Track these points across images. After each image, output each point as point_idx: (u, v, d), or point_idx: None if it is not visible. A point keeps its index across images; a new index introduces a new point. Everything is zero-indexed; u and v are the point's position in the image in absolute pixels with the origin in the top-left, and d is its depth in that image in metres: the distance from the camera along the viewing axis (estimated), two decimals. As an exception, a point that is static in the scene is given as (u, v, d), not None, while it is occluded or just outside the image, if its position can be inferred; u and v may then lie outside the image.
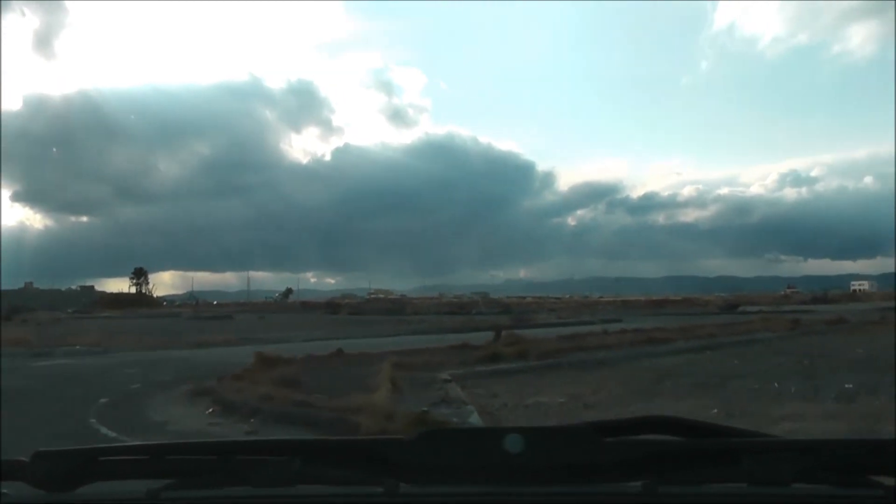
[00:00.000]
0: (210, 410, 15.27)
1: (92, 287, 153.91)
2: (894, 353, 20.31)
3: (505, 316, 64.81)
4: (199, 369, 22.52)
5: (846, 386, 16.32)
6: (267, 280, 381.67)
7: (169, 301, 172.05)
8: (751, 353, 25.38)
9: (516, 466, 1.56)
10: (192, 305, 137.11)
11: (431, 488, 1.62)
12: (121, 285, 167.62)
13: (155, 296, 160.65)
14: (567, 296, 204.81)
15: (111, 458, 1.77)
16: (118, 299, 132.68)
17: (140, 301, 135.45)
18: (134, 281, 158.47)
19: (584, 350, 25.48)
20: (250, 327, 52.60)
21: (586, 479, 1.60)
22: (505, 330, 32.74)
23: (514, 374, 19.92)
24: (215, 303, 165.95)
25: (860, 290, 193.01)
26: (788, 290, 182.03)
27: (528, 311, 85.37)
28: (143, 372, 23.01)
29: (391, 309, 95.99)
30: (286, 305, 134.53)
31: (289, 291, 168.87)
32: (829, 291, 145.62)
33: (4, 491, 1.70)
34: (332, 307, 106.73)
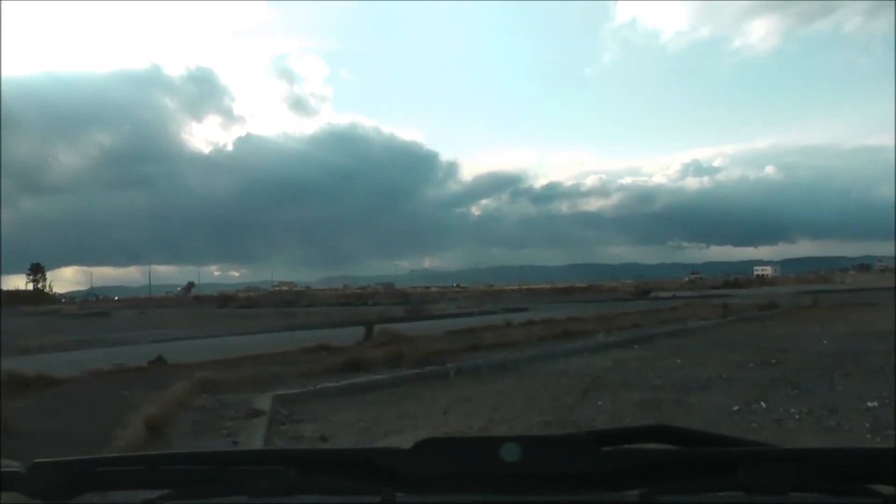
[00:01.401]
0: None
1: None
2: (863, 345, 18.88)
3: (401, 306, 61.61)
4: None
5: (868, 405, 11.17)
6: (171, 274, 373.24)
7: (69, 298, 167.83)
8: (693, 348, 20.26)
9: (513, 476, 1.54)
10: (92, 302, 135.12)
11: (428, 498, 1.57)
12: (20, 283, 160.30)
13: (54, 293, 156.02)
14: (472, 285, 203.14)
15: (108, 468, 1.71)
16: (14, 297, 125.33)
17: (38, 298, 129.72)
18: (31, 278, 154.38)
19: (481, 349, 19.64)
20: (118, 326, 48.01)
21: (583, 489, 1.55)
22: (401, 321, 27.06)
23: (375, 391, 13.89)
24: (116, 299, 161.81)
25: (764, 275, 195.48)
26: (692, 276, 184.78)
27: (427, 301, 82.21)
28: None
29: (285, 301, 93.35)
30: (182, 300, 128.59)
31: (191, 285, 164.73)
32: (732, 277, 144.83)
33: (2, 501, 1.70)
34: (223, 301, 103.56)
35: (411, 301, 76.41)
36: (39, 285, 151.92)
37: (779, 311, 37.05)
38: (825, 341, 20.84)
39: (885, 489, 1.48)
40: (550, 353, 18.99)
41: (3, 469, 1.62)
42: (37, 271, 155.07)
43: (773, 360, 16.56)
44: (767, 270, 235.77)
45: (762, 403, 11.39)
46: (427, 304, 67.93)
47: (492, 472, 1.54)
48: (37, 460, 1.61)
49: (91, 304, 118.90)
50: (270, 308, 75.47)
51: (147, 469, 1.69)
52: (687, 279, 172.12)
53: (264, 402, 12.17)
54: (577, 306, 50.32)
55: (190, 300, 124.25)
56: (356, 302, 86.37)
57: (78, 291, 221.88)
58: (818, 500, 1.52)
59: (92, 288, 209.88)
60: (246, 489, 1.55)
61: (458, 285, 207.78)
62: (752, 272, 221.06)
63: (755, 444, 1.75)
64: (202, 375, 13.95)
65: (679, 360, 17.24)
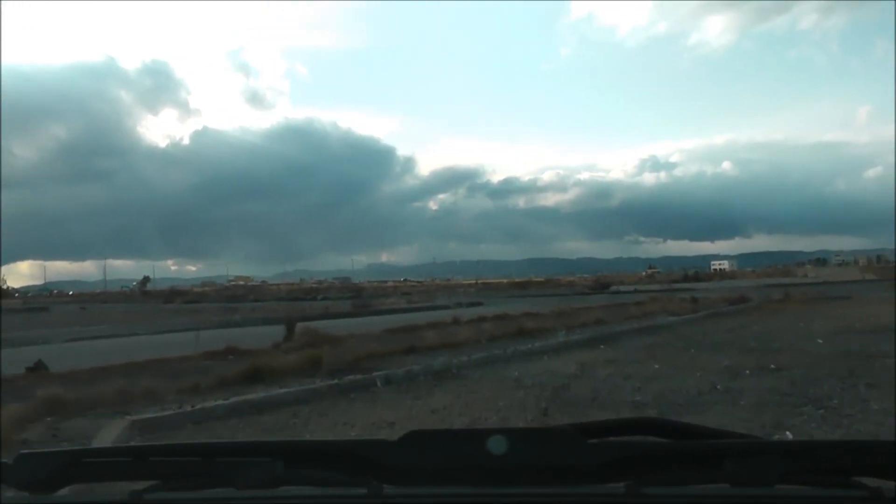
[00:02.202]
0: None
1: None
2: (865, 344, 16.80)
3: (349, 301, 58.55)
4: None
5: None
6: (128, 269, 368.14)
7: (22, 293, 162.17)
8: (669, 349, 17.42)
9: (500, 468, 1.53)
10: (45, 297, 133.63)
11: (415, 490, 1.56)
12: None
13: (8, 287, 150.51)
14: (429, 280, 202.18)
15: (95, 459, 1.72)
16: None
17: None
18: None
19: (420, 352, 16.51)
20: (47, 322, 44.25)
21: (570, 481, 1.55)
22: (341, 318, 24.22)
23: (274, 411, 10.57)
24: (71, 293, 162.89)
25: (721, 269, 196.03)
26: (650, 271, 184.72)
27: (380, 295, 79.98)
28: None
29: (233, 297, 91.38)
30: (133, 295, 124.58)
31: (146, 280, 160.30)
32: (690, 271, 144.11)
33: None
34: (170, 296, 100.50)
35: (362, 296, 73.63)
36: None
37: (751, 306, 34.79)
38: (819, 340, 18.25)
39: (871, 481, 1.47)
40: (502, 357, 15.96)
41: None
42: None
43: (772, 365, 13.71)
44: (725, 265, 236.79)
45: (787, 434, 8.39)
46: (378, 299, 65.40)
47: (478, 464, 1.53)
48: (24, 451, 1.60)
49: (35, 300, 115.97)
50: (216, 303, 72.04)
51: (134, 460, 1.68)
52: (645, 273, 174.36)
53: (115, 431, 8.95)
54: (535, 301, 48.11)
55: (140, 295, 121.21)
56: (306, 297, 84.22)
57: (33, 286, 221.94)
58: (805, 493, 1.50)
59: (47, 283, 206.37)
60: (232, 481, 1.54)
61: (411, 280, 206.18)
62: (710, 266, 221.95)
63: (742, 436, 1.81)
64: (50, 393, 10.62)
65: (657, 365, 14.32)
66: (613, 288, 79.68)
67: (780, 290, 44.15)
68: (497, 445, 1.50)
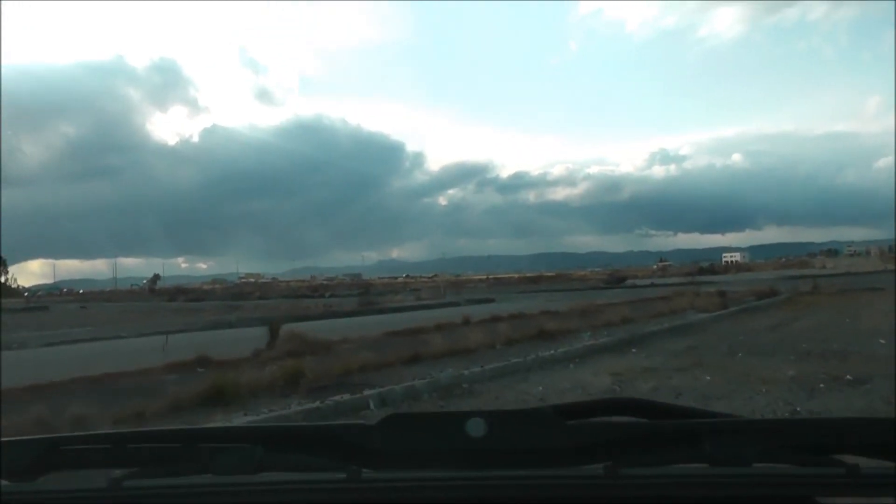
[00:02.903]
0: None
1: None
2: None
3: (355, 298, 55.81)
4: None
5: None
6: (138, 267, 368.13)
7: (32, 291, 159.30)
8: (713, 353, 15.08)
9: (479, 450, 1.54)
10: (55, 296, 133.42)
11: (394, 473, 1.56)
12: None
13: (18, 286, 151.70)
14: (439, 275, 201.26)
15: (73, 446, 1.69)
16: None
17: None
18: None
19: (425, 361, 14.10)
20: (39, 323, 42.08)
21: (549, 462, 1.55)
22: (340, 317, 22.03)
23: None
24: (81, 292, 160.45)
25: (733, 261, 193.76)
26: (661, 264, 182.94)
27: (389, 291, 76.91)
28: None
29: (238, 294, 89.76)
30: (139, 294, 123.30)
31: (156, 278, 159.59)
32: (703, 263, 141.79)
33: None
34: (173, 294, 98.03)
35: (370, 293, 70.87)
36: (1, 279, 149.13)
37: (781, 299, 32.63)
38: (881, 340, 15.80)
39: (850, 459, 1.47)
40: (522, 366, 13.51)
41: None
42: None
43: (848, 376, 11.42)
44: (736, 257, 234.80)
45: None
46: (386, 296, 62.97)
47: (458, 447, 1.53)
48: (2, 439, 1.60)
49: (41, 299, 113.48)
50: (219, 301, 69.88)
51: (113, 447, 1.67)
52: (656, 266, 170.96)
53: None
54: (549, 297, 46.30)
55: (145, 293, 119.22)
56: (313, 294, 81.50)
57: (43, 284, 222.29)
58: (783, 471, 1.51)
59: (57, 281, 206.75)
60: (212, 466, 1.54)
61: (421, 276, 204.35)
62: (721, 259, 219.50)
63: (720, 415, 1.77)
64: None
65: (708, 376, 11.97)
66: (629, 282, 76.97)
67: (806, 282, 41.67)
68: (476, 428, 1.49)
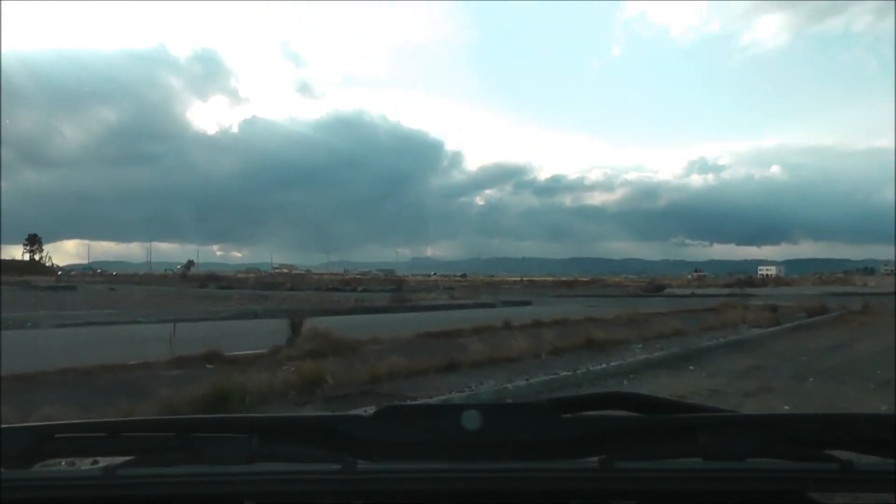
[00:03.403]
0: None
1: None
2: None
3: (388, 294, 55.24)
4: None
5: None
6: (173, 252, 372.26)
7: (66, 271, 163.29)
8: (780, 375, 13.49)
9: (474, 443, 1.54)
10: (88, 275, 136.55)
11: (389, 465, 1.55)
12: (19, 253, 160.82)
13: (53, 264, 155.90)
14: (473, 275, 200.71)
15: (68, 434, 1.67)
16: (10, 266, 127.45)
17: (32, 269, 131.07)
18: (27, 248, 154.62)
19: (462, 369, 12.65)
20: (62, 302, 41.40)
21: (544, 455, 1.55)
22: (370, 313, 20.55)
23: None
24: (115, 273, 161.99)
25: (768, 274, 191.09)
26: (696, 274, 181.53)
27: (422, 289, 75.67)
28: None
29: (268, 284, 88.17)
30: (171, 279, 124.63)
31: (190, 264, 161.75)
32: (741, 276, 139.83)
33: None
34: (204, 281, 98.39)
35: (402, 289, 70.10)
36: (36, 256, 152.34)
37: (833, 317, 30.46)
38: None
39: (843, 454, 1.46)
40: (572, 380, 12.04)
41: None
42: (33, 242, 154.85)
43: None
44: (772, 270, 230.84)
45: None
46: (419, 293, 61.90)
47: (453, 439, 1.54)
48: None
49: (72, 278, 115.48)
50: (249, 290, 68.94)
51: (108, 436, 1.65)
52: (691, 276, 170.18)
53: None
54: (589, 302, 44.47)
55: (177, 278, 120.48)
56: (345, 287, 79.91)
57: (78, 264, 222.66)
58: (777, 466, 1.50)
59: (91, 262, 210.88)
60: (207, 456, 1.52)
61: (464, 275, 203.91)
62: (756, 271, 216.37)
63: (714, 409, 1.79)
64: None
65: (786, 406, 10.41)
66: (668, 291, 75.43)
67: (855, 300, 39.32)
68: (471, 420, 1.50)
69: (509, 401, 7.51)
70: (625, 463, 1.46)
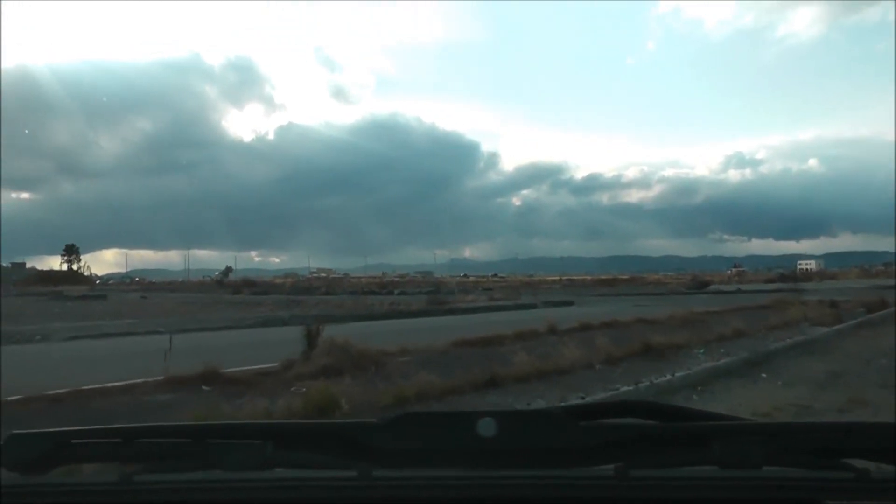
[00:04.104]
0: None
1: (23, 264, 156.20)
2: None
3: (425, 296, 53.86)
4: None
5: None
6: (211, 259, 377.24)
7: (104, 280, 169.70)
8: (863, 382, 11.99)
9: (490, 450, 1.51)
10: (126, 284, 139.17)
11: (405, 472, 1.54)
12: (57, 264, 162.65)
13: (92, 274, 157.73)
14: (511, 275, 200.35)
15: (85, 440, 1.65)
16: (48, 277, 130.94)
17: (70, 279, 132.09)
18: (65, 258, 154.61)
19: (504, 385, 10.89)
20: (88, 312, 40.57)
21: (559, 462, 1.53)
22: (405, 318, 19.86)
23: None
24: (153, 281, 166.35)
25: (808, 268, 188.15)
26: (736, 269, 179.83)
27: (458, 290, 74.60)
28: None
29: (302, 289, 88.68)
30: (206, 285, 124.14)
31: (228, 270, 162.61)
32: (783, 270, 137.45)
33: None
34: (238, 287, 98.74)
35: (440, 291, 68.72)
36: (74, 266, 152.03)
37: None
38: None
39: (859, 463, 1.44)
40: (637, 398, 10.08)
41: None
42: (70, 252, 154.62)
43: None
44: (811, 264, 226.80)
45: None
46: (457, 295, 60.76)
47: (468, 446, 1.51)
48: (14, 432, 1.56)
49: (108, 287, 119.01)
50: (283, 296, 67.90)
51: (124, 442, 1.63)
52: (730, 272, 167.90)
53: None
54: (635, 301, 43.18)
55: (213, 285, 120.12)
56: (381, 291, 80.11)
57: (116, 273, 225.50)
58: (792, 474, 1.48)
59: (130, 270, 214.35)
60: (222, 462, 1.52)
61: (496, 275, 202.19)
62: (796, 266, 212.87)
63: (730, 418, 1.73)
64: None
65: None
66: (713, 287, 73.45)
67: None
68: (487, 428, 1.47)
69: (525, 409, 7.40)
70: (640, 471, 1.44)
